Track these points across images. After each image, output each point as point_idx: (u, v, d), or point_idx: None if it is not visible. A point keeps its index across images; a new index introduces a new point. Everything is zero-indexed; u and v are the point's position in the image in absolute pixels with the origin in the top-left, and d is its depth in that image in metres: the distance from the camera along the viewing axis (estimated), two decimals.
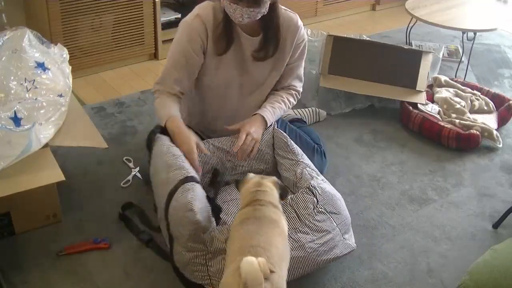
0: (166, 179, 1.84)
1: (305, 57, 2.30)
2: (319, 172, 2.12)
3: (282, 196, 1.77)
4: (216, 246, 1.75)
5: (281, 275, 1.48)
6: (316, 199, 1.91)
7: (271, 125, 2.21)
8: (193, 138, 1.99)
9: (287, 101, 2.27)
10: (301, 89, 2.35)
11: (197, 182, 1.82)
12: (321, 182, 1.99)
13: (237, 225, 1.63)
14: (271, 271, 1.42)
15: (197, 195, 1.77)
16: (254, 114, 2.16)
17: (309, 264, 1.84)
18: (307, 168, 2.10)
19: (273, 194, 1.73)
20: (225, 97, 2.21)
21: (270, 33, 2.10)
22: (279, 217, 1.66)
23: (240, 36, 2.11)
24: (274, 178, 1.80)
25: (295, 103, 2.33)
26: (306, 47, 2.28)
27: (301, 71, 2.33)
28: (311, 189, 1.92)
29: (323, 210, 1.91)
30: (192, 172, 1.86)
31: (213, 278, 1.77)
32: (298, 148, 2.20)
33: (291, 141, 2.21)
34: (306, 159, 2.16)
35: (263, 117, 2.14)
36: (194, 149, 1.95)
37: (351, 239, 1.99)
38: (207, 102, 2.24)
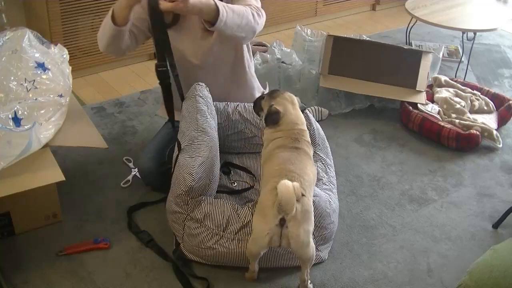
0: (191, 136, 1.98)
1: None
2: (330, 171, 2.14)
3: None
4: (195, 215, 1.87)
5: (310, 199, 1.74)
6: None
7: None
8: None
9: (244, 7, 2.10)
10: (259, 6, 2.17)
11: (211, 155, 1.92)
12: (318, 193, 1.98)
13: (274, 149, 1.86)
14: (302, 195, 1.66)
15: (204, 163, 1.89)
16: None
17: (273, 262, 1.91)
18: (319, 164, 2.13)
19: (307, 132, 1.97)
20: (194, 73, 2.24)
21: None
22: (310, 151, 1.92)
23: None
24: (301, 105, 2.01)
25: (258, 20, 2.13)
26: None
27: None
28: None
29: None
30: (214, 143, 1.97)
31: (186, 236, 1.90)
32: (321, 139, 2.25)
33: (318, 132, 2.26)
34: (323, 153, 2.20)
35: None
36: None
37: (324, 251, 2.01)
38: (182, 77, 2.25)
